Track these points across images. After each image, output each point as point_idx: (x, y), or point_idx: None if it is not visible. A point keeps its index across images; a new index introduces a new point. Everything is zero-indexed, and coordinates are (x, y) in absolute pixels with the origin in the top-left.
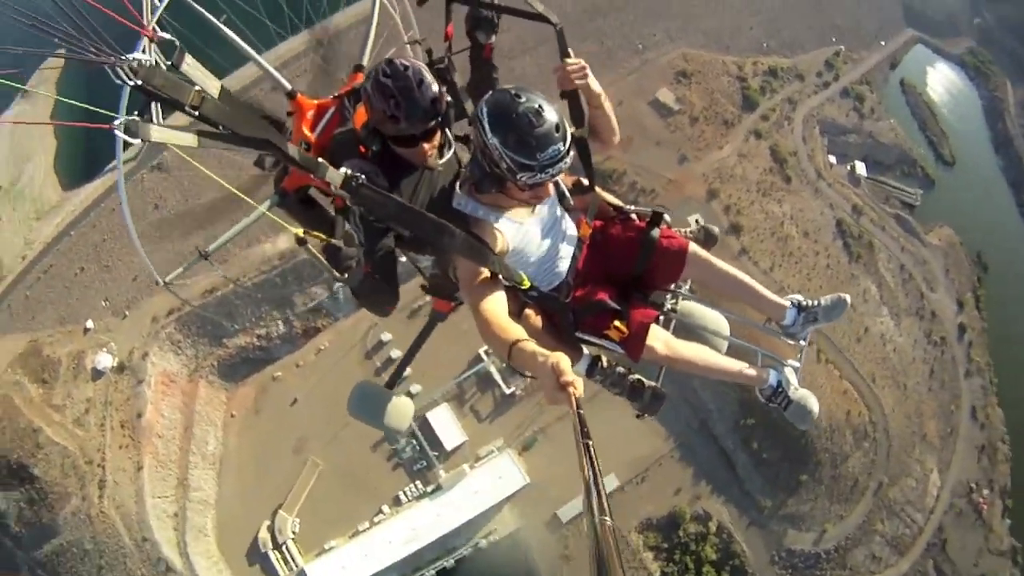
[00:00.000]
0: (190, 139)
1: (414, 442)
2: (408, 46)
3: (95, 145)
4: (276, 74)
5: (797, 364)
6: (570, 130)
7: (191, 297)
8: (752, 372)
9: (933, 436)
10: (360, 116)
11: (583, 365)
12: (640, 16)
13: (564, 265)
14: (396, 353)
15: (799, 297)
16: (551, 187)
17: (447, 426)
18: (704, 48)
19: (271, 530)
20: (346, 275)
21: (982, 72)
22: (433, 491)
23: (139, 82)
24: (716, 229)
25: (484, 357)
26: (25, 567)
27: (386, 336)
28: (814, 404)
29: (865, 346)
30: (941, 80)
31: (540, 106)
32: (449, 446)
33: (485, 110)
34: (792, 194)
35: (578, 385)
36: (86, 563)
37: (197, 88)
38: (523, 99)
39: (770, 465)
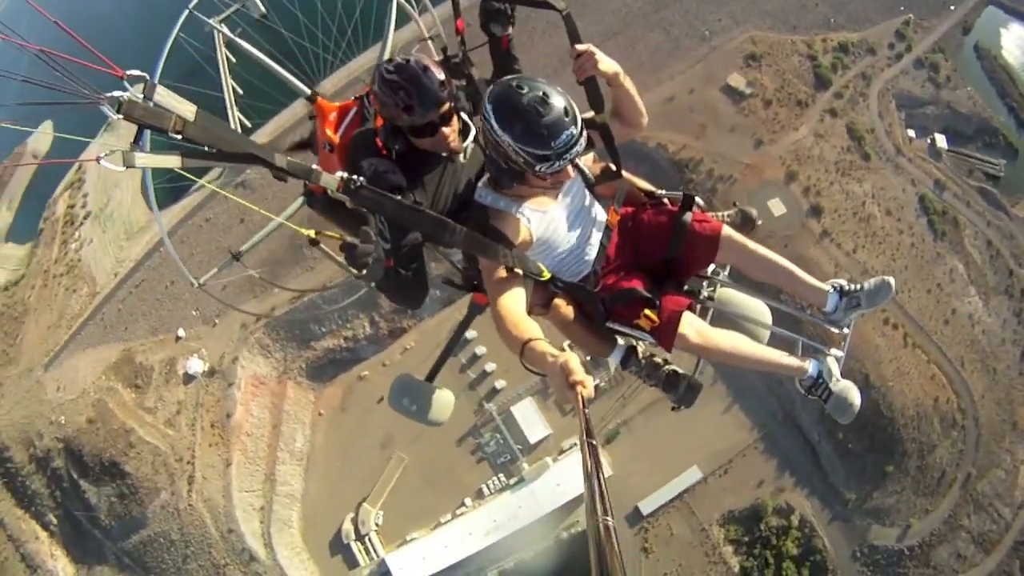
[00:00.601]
0: (174, 161)
1: (498, 436)
2: (424, 43)
3: (175, 184)
4: (294, 80)
5: (841, 353)
6: (580, 113)
7: (279, 303)
8: (792, 362)
9: None
10: (378, 123)
11: (617, 356)
12: (703, 3)
13: (593, 253)
14: (481, 349)
15: (841, 281)
16: (572, 170)
17: (531, 420)
18: (771, 29)
19: (355, 522)
20: (364, 272)
21: None
22: (516, 483)
23: (121, 116)
24: (754, 212)
25: (567, 350)
26: (112, 557)
27: (471, 334)
28: (856, 397)
29: (953, 328)
30: (1017, 41)
31: (544, 93)
32: (533, 439)
33: (490, 107)
34: (872, 172)
35: (588, 384)
36: (172, 553)
37: (176, 115)
38: (525, 89)
39: (855, 456)
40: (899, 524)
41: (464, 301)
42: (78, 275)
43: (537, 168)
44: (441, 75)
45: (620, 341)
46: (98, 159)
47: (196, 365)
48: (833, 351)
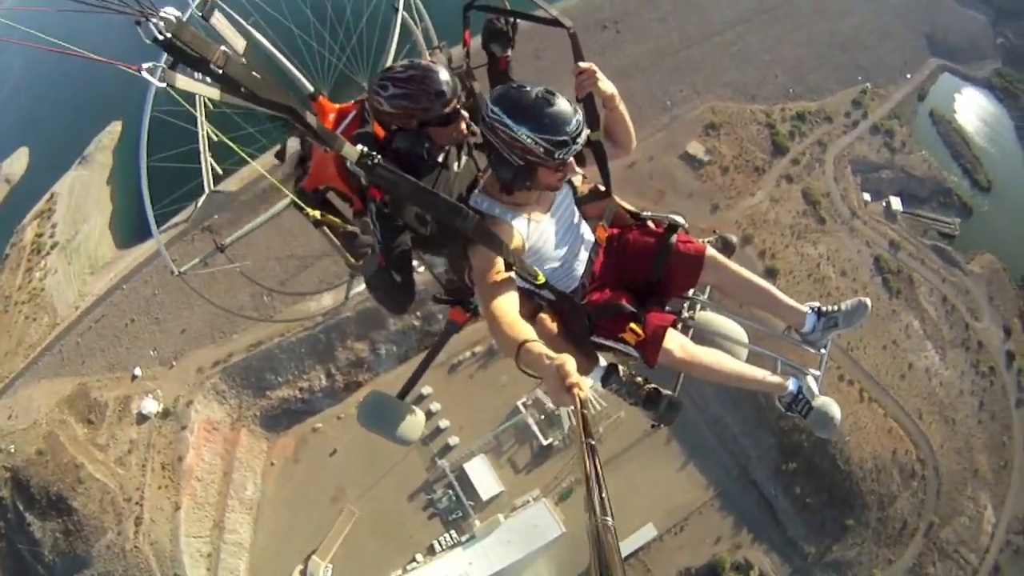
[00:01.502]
0: (214, 92)
1: (451, 492)
2: (429, 53)
3: (158, 211)
4: (299, 75)
5: (818, 373)
6: (586, 131)
7: (236, 350)
8: (773, 379)
9: (985, 471)
10: (377, 132)
11: (598, 374)
12: (666, 74)
13: (580, 268)
14: (436, 406)
15: (818, 304)
16: (567, 187)
17: (484, 477)
18: (731, 100)
19: (303, 574)
20: (360, 262)
21: (1011, 92)
22: (467, 540)
23: (169, 35)
24: (734, 238)
25: (522, 409)
26: None
27: (427, 390)
28: (836, 411)
29: (910, 382)
30: (970, 105)
31: (545, 89)
32: (485, 496)
33: (499, 108)
34: (827, 235)
35: (583, 387)
36: None
37: (223, 48)
38: (528, 87)
39: (814, 511)
40: (862, 575)
41: (421, 358)
42: (39, 304)
43: (556, 155)
44: (447, 74)
45: (601, 361)
46: (139, 69)
47: (150, 406)
48: (811, 371)
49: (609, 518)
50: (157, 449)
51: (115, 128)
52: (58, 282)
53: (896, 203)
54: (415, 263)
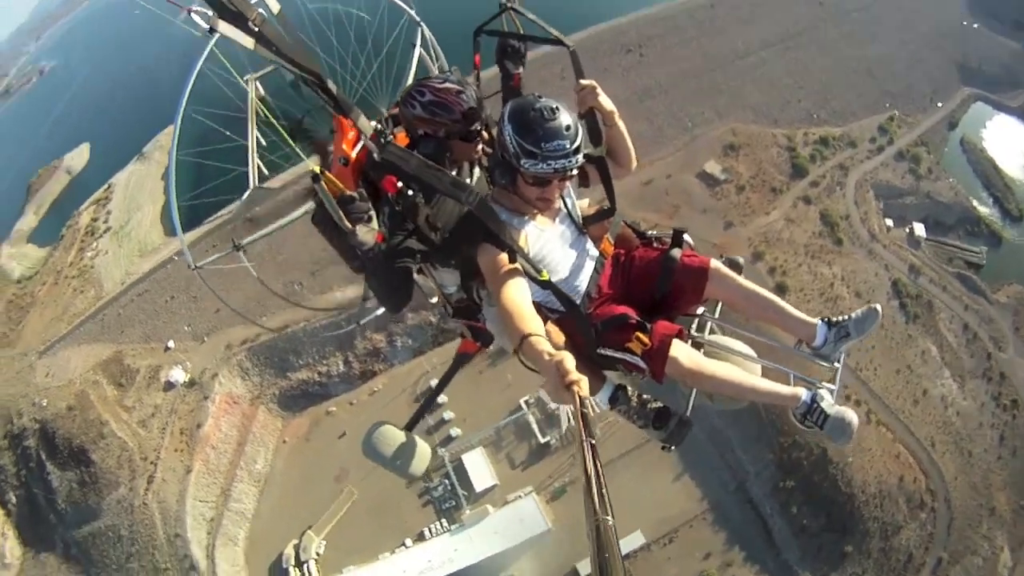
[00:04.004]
0: (248, 41)
1: (446, 481)
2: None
3: (199, 203)
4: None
5: (833, 387)
6: (585, 146)
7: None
8: (785, 390)
9: (1004, 509)
10: (401, 140)
11: (606, 393)
12: (689, 96)
13: (585, 281)
14: (443, 398)
15: (828, 315)
16: (562, 203)
17: (480, 469)
18: (753, 122)
19: (297, 548)
20: (354, 229)
21: None
22: (455, 528)
23: None
24: (741, 259)
25: (524, 407)
26: (61, 545)
27: (435, 382)
28: (852, 416)
29: (923, 409)
30: (1003, 134)
31: (556, 107)
32: (479, 488)
33: (507, 109)
34: (843, 256)
35: (583, 384)
36: (117, 549)
37: (260, 11)
38: (542, 99)
39: (811, 534)
40: None
41: (435, 353)
42: (88, 279)
43: (522, 162)
44: (476, 96)
45: (608, 379)
46: (189, 11)
47: (178, 375)
48: (826, 384)
49: (610, 518)
50: (179, 415)
51: (171, 129)
52: (107, 262)
53: (920, 229)
54: (427, 280)
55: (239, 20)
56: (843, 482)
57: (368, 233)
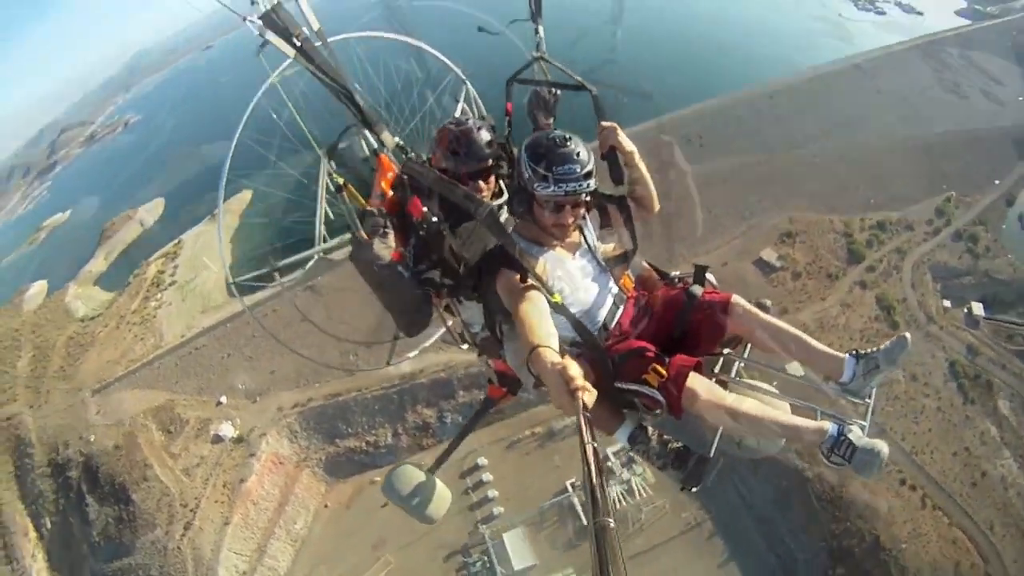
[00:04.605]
0: (289, 50)
1: (484, 558)
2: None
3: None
4: (367, 133)
5: (865, 424)
6: (606, 187)
7: (316, 396)
8: (810, 424)
9: None
10: None
11: (626, 432)
12: (747, 185)
13: (603, 315)
14: (488, 476)
15: (855, 348)
16: (582, 239)
17: (520, 547)
18: (810, 210)
19: None
20: (370, 240)
21: None
22: None
23: (269, 7)
24: (768, 302)
25: (570, 489)
26: (89, 574)
27: (483, 460)
28: (883, 447)
29: (982, 491)
30: None
31: (569, 136)
32: (518, 567)
33: (526, 140)
34: None
35: (589, 390)
36: None
37: (304, 29)
38: (561, 133)
39: None
40: None
41: (485, 432)
42: (149, 328)
43: (536, 187)
44: (489, 137)
45: (628, 420)
46: (245, 19)
47: (227, 430)
48: (857, 421)
49: (611, 520)
50: (223, 468)
51: (245, 195)
52: (170, 313)
53: (978, 308)
54: (451, 320)
55: (284, 33)
56: (896, 569)
57: (384, 248)
